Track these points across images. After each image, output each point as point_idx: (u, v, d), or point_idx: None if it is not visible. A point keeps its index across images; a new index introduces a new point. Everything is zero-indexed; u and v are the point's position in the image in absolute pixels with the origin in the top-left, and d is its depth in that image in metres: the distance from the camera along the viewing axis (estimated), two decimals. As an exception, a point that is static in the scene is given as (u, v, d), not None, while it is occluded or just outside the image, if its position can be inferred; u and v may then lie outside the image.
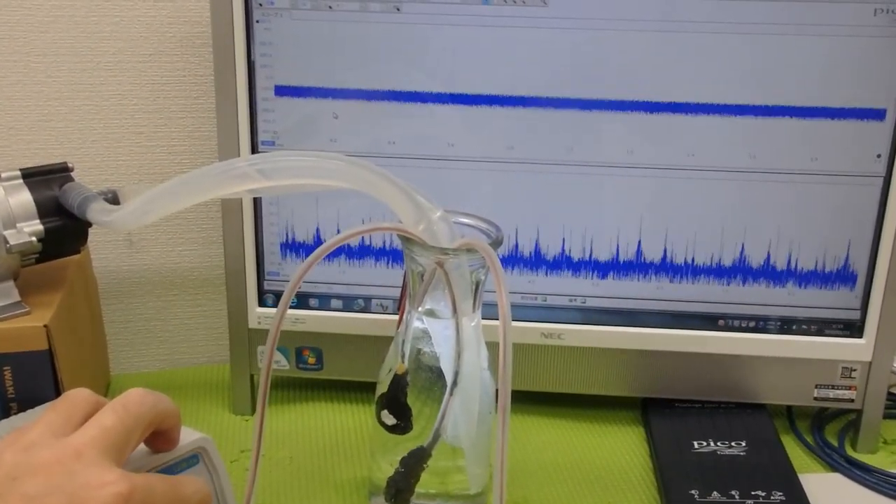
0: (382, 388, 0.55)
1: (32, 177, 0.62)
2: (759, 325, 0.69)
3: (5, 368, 0.59)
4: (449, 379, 0.53)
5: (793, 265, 0.67)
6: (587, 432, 0.72)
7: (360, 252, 0.69)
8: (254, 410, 0.72)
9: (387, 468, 0.56)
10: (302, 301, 0.70)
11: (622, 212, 0.67)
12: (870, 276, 0.67)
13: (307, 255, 0.48)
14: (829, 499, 0.64)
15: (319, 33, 0.64)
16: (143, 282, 0.81)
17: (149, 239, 0.80)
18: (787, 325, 0.69)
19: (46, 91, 0.75)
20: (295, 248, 0.70)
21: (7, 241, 0.59)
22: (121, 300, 0.81)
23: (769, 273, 0.68)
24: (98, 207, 0.59)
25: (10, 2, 0.72)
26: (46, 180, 0.62)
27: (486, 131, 0.66)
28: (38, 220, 0.61)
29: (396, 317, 0.58)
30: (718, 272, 0.68)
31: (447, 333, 0.53)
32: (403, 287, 0.56)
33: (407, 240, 0.52)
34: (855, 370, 0.69)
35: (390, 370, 0.55)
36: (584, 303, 0.70)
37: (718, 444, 0.68)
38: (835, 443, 0.71)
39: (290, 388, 0.77)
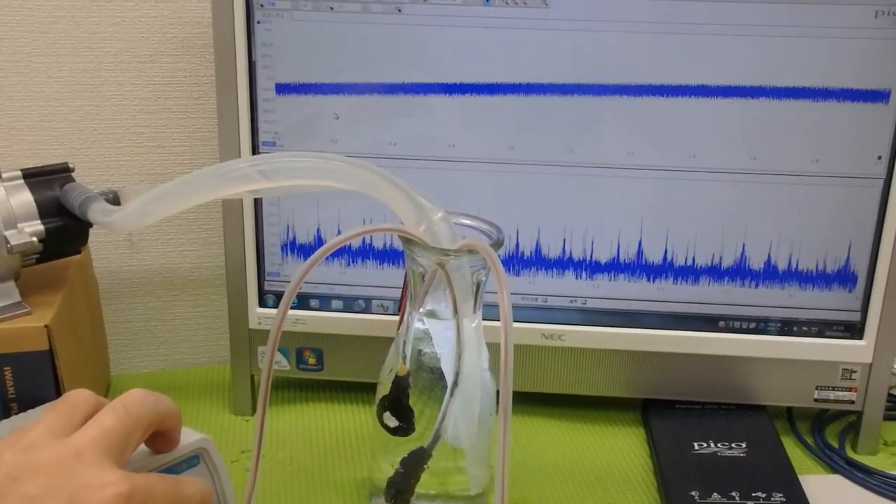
0: (383, 389, 0.55)
1: (33, 177, 0.62)
2: (760, 326, 0.69)
3: (6, 368, 0.59)
4: (449, 380, 0.53)
5: (793, 267, 0.68)
6: (587, 433, 0.72)
7: (361, 253, 0.69)
8: (254, 411, 0.72)
9: (387, 469, 0.56)
10: (302, 302, 0.70)
11: (623, 213, 0.67)
12: (870, 277, 0.67)
13: (308, 256, 0.48)
14: (829, 500, 0.64)
15: (320, 34, 0.64)
16: (144, 282, 0.81)
17: (149, 239, 0.80)
18: (787, 327, 0.69)
19: (47, 91, 0.75)
20: (295, 248, 0.70)
21: (8, 242, 0.59)
22: (121, 300, 0.81)
23: (770, 274, 0.68)
24: (99, 208, 0.59)
25: (11, 2, 0.72)
26: (47, 180, 0.62)
27: (487, 132, 0.66)
28: (38, 221, 0.61)
29: (397, 318, 0.58)
30: (719, 273, 0.68)
31: (448, 334, 0.53)
32: (404, 288, 0.56)
33: (408, 241, 0.52)
34: (855, 372, 0.69)
35: (391, 371, 0.55)
36: (585, 304, 0.70)
37: (719, 445, 0.68)
38: (835, 444, 0.71)
39: (291, 389, 0.77)
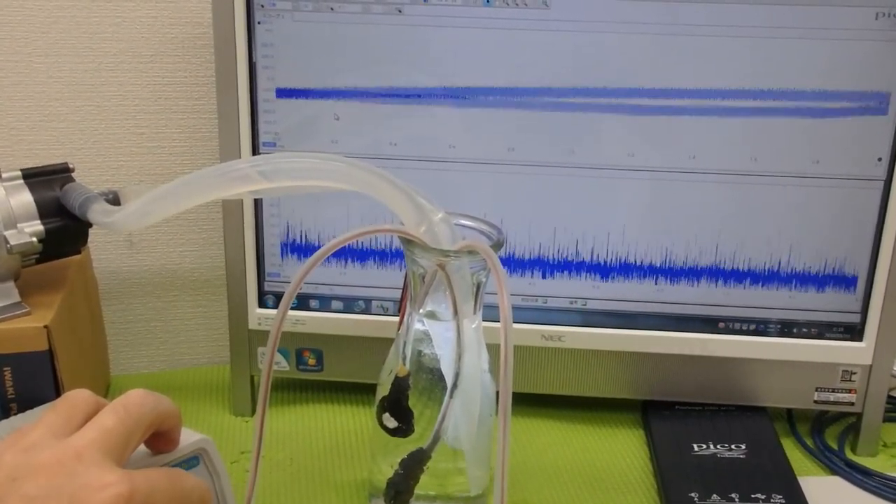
0: (383, 390, 0.55)
1: (33, 177, 0.62)
2: (760, 328, 0.69)
3: (5, 369, 0.59)
4: (449, 381, 0.53)
5: (793, 268, 0.67)
6: (587, 434, 0.72)
7: (361, 253, 0.69)
8: (254, 412, 0.72)
9: (387, 470, 0.56)
10: (302, 302, 0.70)
11: (623, 214, 0.67)
12: (870, 279, 0.67)
13: (307, 257, 0.48)
14: (828, 502, 0.64)
15: (321, 35, 0.64)
16: (144, 282, 0.81)
17: (149, 240, 0.80)
18: (787, 329, 0.69)
19: (48, 91, 0.75)
20: (295, 249, 0.70)
21: (8, 242, 0.59)
22: (121, 301, 0.81)
23: (770, 276, 0.68)
24: (99, 208, 0.59)
25: (12, 2, 0.72)
26: (47, 181, 0.62)
27: (487, 133, 0.66)
28: (38, 221, 0.61)
29: (397, 318, 0.57)
30: (719, 275, 0.68)
31: (448, 335, 0.53)
32: (404, 289, 0.56)
33: (408, 241, 0.52)
34: (855, 373, 0.69)
35: (391, 372, 0.55)
36: (585, 305, 0.70)
37: (718, 446, 0.68)
38: (835, 446, 0.71)
39: (291, 390, 0.77)
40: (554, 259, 0.68)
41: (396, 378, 0.54)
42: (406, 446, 0.54)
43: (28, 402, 0.59)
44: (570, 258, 0.68)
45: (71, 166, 0.64)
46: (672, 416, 0.72)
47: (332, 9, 0.64)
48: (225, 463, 0.50)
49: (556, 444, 0.71)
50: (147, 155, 0.78)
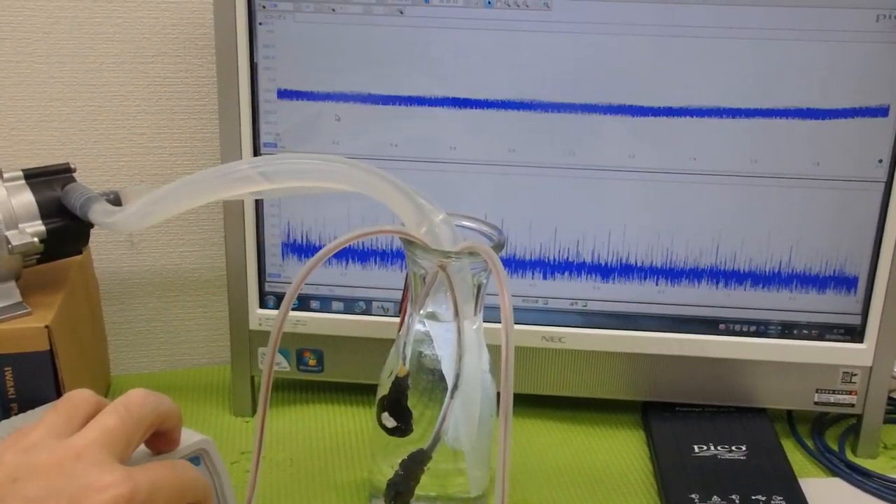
0: (383, 390, 0.55)
1: (35, 177, 0.62)
2: (760, 329, 0.69)
3: (6, 369, 0.59)
4: (450, 382, 0.53)
5: (794, 269, 0.68)
6: (587, 436, 0.72)
7: (362, 254, 0.69)
8: (254, 412, 0.72)
9: (387, 470, 0.56)
10: (303, 303, 0.71)
11: (623, 215, 0.67)
12: (871, 280, 0.67)
13: (308, 257, 0.48)
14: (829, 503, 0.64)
15: (322, 36, 0.64)
16: (144, 283, 0.81)
17: (150, 240, 0.80)
18: (787, 330, 0.69)
19: (49, 92, 0.75)
20: (296, 249, 0.70)
21: (9, 242, 0.59)
22: (122, 301, 0.81)
23: (770, 277, 0.68)
24: (100, 209, 0.59)
25: (13, 3, 0.72)
26: (49, 181, 0.62)
27: (488, 134, 0.66)
28: (39, 221, 0.61)
29: (398, 319, 0.58)
30: (719, 276, 0.68)
31: (448, 336, 0.53)
32: (405, 290, 0.56)
33: (409, 242, 0.52)
34: (855, 375, 0.69)
35: (391, 373, 0.55)
36: (585, 306, 0.70)
37: (719, 448, 0.68)
38: (835, 447, 0.71)
39: (291, 390, 0.77)
40: (554, 260, 0.68)
41: (396, 378, 0.54)
42: (406, 447, 0.54)
43: (29, 402, 0.59)
44: (570, 259, 0.68)
45: (72, 166, 0.64)
46: (672, 417, 0.72)
47: (333, 10, 0.64)
48: (225, 463, 0.50)
49: (556, 445, 0.71)
50: (148, 155, 0.78)
